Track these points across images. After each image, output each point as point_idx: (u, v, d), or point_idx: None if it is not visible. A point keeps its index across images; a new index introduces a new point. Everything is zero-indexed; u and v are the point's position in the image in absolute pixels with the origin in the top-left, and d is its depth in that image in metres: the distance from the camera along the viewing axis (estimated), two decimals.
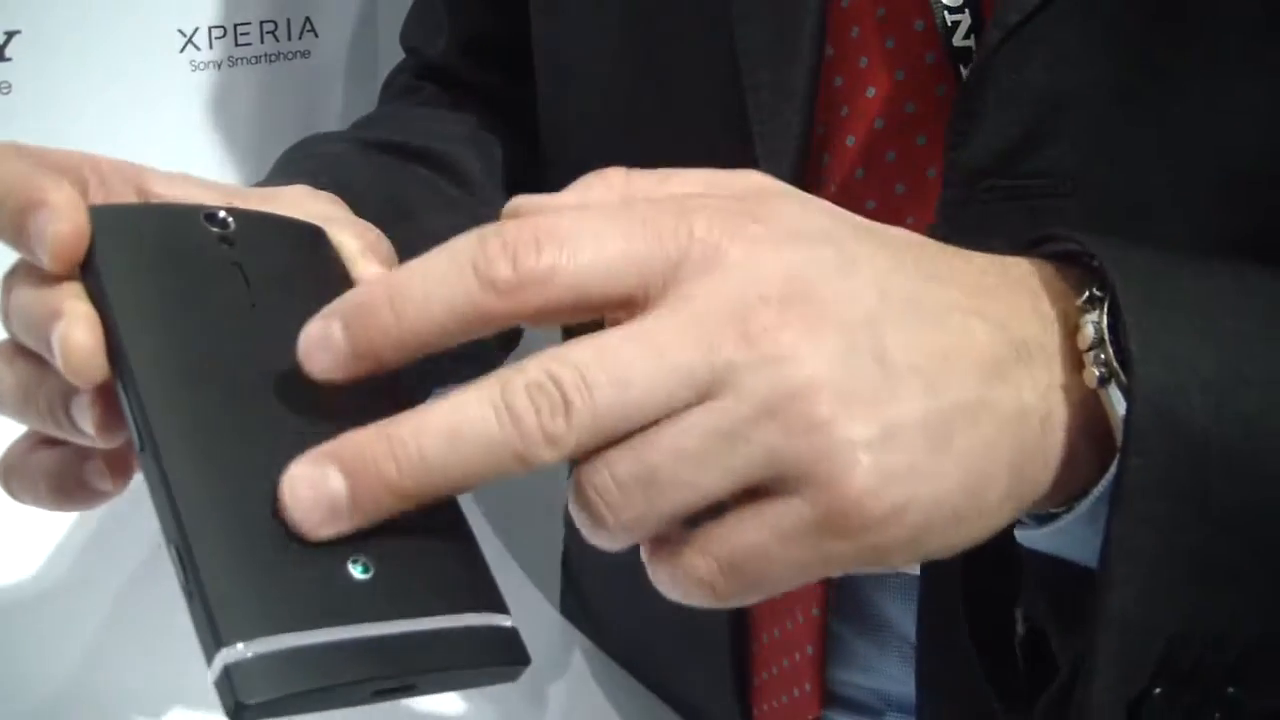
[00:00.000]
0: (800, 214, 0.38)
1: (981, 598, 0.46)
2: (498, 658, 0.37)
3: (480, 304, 0.35)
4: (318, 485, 0.35)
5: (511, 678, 0.38)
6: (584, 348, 0.34)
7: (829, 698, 0.61)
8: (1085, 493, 0.40)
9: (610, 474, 0.35)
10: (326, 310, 0.36)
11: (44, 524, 0.69)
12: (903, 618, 0.58)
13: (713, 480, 0.35)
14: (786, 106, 0.52)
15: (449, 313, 0.35)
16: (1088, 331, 0.39)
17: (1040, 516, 0.42)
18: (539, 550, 0.84)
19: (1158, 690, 0.40)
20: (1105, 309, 0.39)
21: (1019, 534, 0.43)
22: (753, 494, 0.35)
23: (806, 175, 0.53)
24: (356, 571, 0.36)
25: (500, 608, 0.38)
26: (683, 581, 0.36)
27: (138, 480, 0.38)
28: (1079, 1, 0.47)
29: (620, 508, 0.35)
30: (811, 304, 0.35)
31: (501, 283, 0.35)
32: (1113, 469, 0.39)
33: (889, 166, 0.52)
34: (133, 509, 0.37)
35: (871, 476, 0.34)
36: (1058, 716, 0.41)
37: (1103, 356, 0.38)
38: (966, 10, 0.49)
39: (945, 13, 0.50)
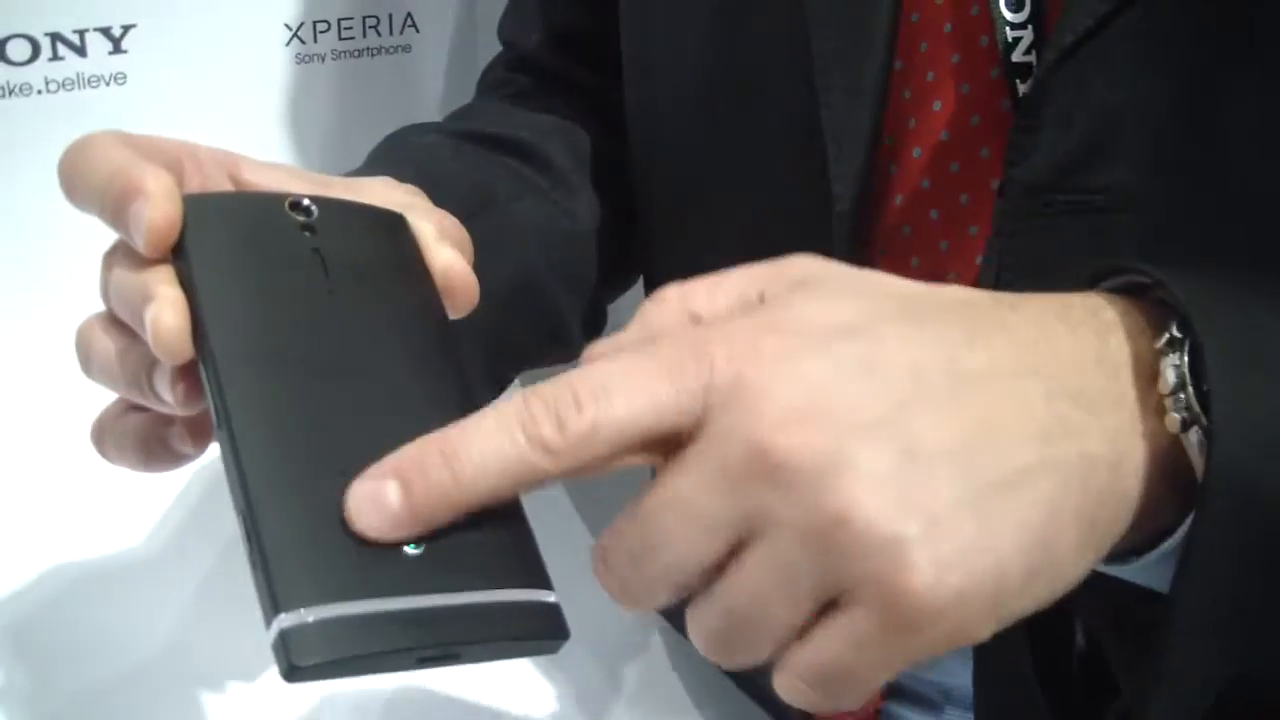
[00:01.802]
0: (826, 307, 0.38)
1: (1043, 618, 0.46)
2: (538, 631, 0.39)
3: (533, 463, 0.36)
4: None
5: (552, 650, 0.40)
6: (623, 518, 0.37)
7: (891, 688, 0.62)
8: (1162, 533, 0.40)
9: (701, 627, 0.37)
10: (377, 468, 0.37)
11: (145, 500, 0.73)
12: None
13: (786, 610, 0.35)
14: (857, 108, 0.53)
15: (503, 472, 0.37)
16: (1169, 377, 0.38)
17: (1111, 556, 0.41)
18: None
19: None
20: (1186, 351, 0.38)
21: None
22: (827, 607, 0.36)
23: (874, 182, 0.54)
24: (409, 547, 0.38)
25: (544, 584, 0.40)
26: (788, 697, 0.37)
27: None
28: (1136, 22, 0.46)
29: (717, 649, 0.37)
30: (832, 418, 0.35)
31: (550, 443, 0.36)
32: (1182, 529, 0.39)
33: (953, 178, 0.53)
34: (221, 493, 0.40)
35: (928, 571, 0.34)
36: None
37: (1183, 399, 0.38)
38: (1030, 27, 0.50)
39: (1008, 29, 0.50)
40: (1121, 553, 0.40)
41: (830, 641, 0.35)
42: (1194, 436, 0.38)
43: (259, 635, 0.37)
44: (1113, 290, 0.41)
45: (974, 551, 0.35)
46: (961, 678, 0.59)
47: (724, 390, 0.36)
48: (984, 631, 0.36)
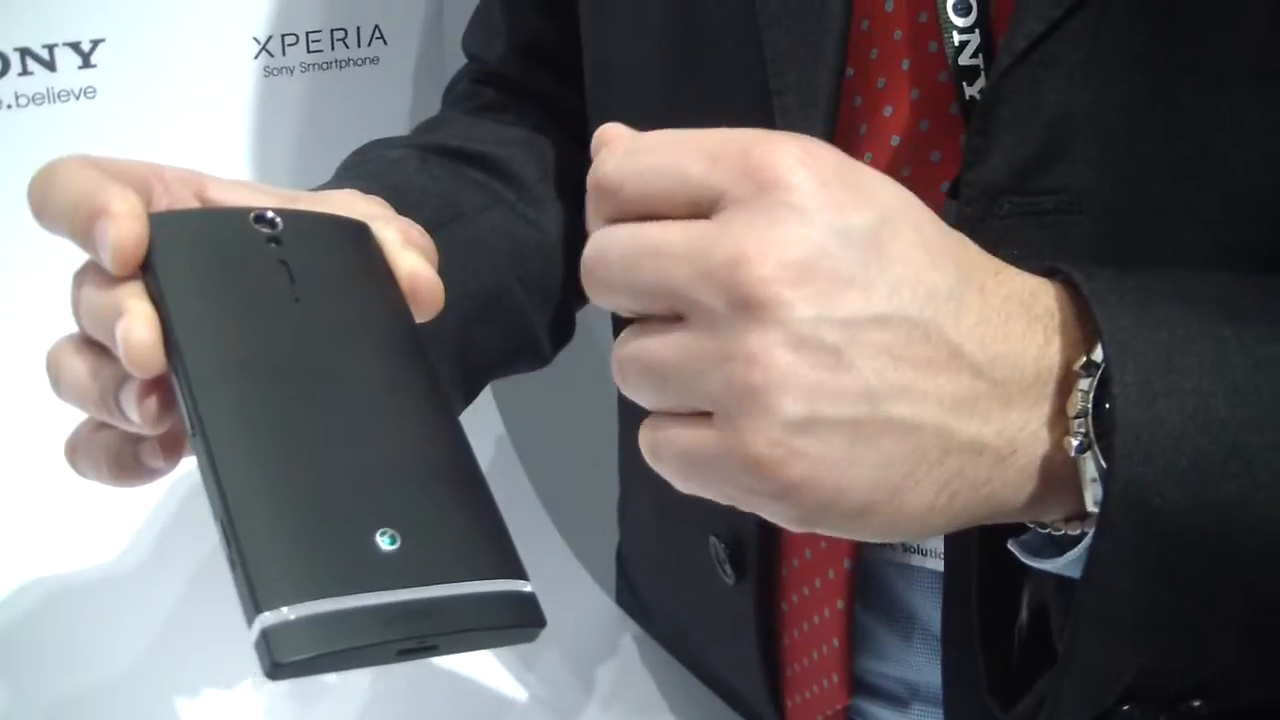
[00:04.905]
0: (880, 182, 0.42)
1: (995, 586, 0.48)
2: (514, 620, 0.40)
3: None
4: None
5: (528, 638, 0.41)
6: (624, 226, 0.42)
7: (857, 685, 0.63)
8: (1063, 518, 0.42)
9: (621, 348, 0.42)
10: None
11: (119, 514, 0.73)
12: (928, 610, 0.60)
13: (671, 389, 0.41)
14: (810, 114, 0.54)
15: None
16: (1076, 400, 0.41)
17: (1030, 545, 0.45)
18: (596, 546, 0.86)
19: (1125, 708, 0.42)
20: (1097, 380, 0.40)
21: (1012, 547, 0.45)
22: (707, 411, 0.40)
23: None
24: (385, 543, 0.39)
25: (519, 574, 0.41)
26: (641, 445, 0.42)
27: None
28: (1088, 25, 0.47)
29: (619, 370, 0.42)
30: (810, 281, 0.39)
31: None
32: (1085, 541, 0.41)
33: (904, 181, 0.53)
34: (201, 503, 0.41)
35: (776, 450, 0.39)
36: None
37: (1083, 429, 0.40)
38: (976, 30, 0.51)
39: (955, 33, 0.51)
40: (1039, 545, 0.44)
41: (683, 435, 0.41)
42: (1089, 460, 0.40)
43: (237, 646, 0.38)
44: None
45: (827, 463, 0.39)
46: (927, 674, 0.60)
47: (743, 196, 0.40)
48: (793, 524, 0.41)
